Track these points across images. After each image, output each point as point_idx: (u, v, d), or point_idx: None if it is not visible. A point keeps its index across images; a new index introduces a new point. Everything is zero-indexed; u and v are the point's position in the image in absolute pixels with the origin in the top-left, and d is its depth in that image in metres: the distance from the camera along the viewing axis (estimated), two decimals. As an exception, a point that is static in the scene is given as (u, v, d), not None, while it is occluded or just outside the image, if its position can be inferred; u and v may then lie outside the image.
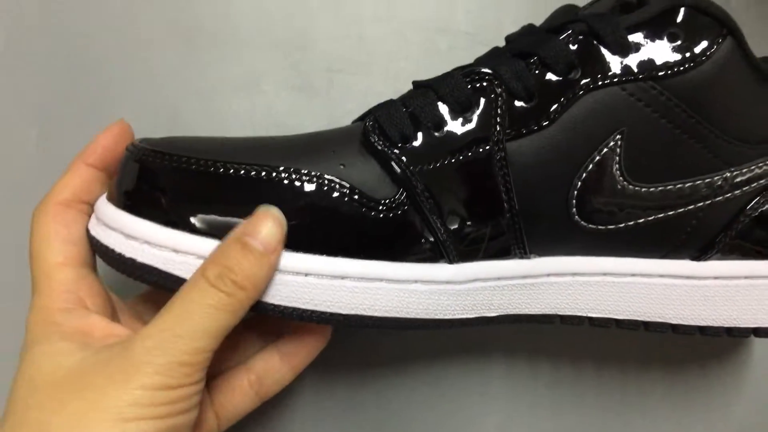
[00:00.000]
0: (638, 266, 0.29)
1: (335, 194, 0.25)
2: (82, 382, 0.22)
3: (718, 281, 0.30)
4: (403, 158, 0.26)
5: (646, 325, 0.30)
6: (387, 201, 0.26)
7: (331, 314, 0.25)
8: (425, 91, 0.27)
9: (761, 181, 0.28)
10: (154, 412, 0.21)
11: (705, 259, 0.29)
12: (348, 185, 0.25)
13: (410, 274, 0.26)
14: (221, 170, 0.25)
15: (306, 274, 0.25)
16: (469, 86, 0.26)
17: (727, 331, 0.30)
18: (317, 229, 0.25)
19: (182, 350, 0.22)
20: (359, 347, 0.35)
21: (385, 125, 0.26)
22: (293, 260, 0.25)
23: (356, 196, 0.25)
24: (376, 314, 0.26)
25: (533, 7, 0.35)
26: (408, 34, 0.35)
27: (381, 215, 0.26)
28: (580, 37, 0.27)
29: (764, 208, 0.29)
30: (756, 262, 0.30)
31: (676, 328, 0.30)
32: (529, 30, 0.29)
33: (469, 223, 0.27)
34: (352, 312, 0.26)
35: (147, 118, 0.34)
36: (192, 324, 0.22)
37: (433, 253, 0.27)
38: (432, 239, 0.26)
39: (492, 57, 0.28)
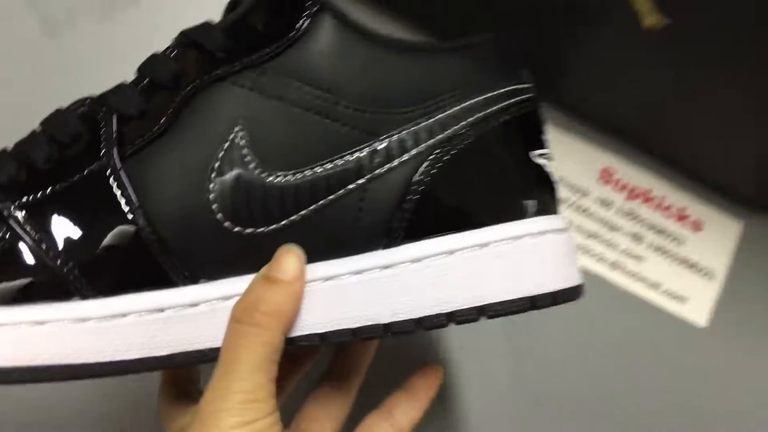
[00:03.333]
0: (330, 269, 0.27)
1: None
2: None
3: (417, 265, 0.27)
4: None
5: (354, 333, 0.27)
6: None
7: None
8: (33, 132, 0.26)
9: (418, 147, 0.27)
10: None
11: (396, 245, 0.27)
12: None
13: (25, 316, 0.23)
14: None
15: None
16: (76, 116, 0.26)
17: (448, 317, 0.27)
18: None
19: (241, 390, 0.23)
20: None
21: None
22: None
23: None
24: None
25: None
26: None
27: None
28: (179, 49, 0.27)
29: (428, 179, 0.27)
30: (455, 236, 0.27)
31: (389, 328, 0.26)
32: None
33: (97, 252, 0.25)
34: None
35: None
36: (236, 367, 0.24)
37: (57, 290, 0.24)
38: (49, 275, 0.24)
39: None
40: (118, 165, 0.25)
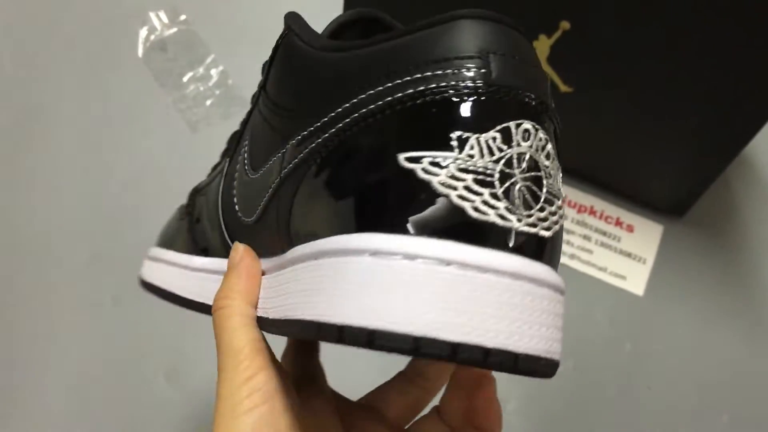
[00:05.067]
0: (266, 264, 0.30)
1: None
2: None
3: (295, 267, 0.26)
4: None
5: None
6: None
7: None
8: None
9: (307, 150, 0.26)
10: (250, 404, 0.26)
11: (291, 248, 0.28)
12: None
13: (178, 259, 0.38)
14: None
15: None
16: None
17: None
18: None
19: (232, 349, 0.27)
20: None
21: None
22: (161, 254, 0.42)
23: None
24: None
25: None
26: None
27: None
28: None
29: (305, 185, 0.26)
30: (302, 246, 0.25)
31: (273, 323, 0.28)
32: None
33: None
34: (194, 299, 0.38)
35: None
36: (222, 334, 0.28)
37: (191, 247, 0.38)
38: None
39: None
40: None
